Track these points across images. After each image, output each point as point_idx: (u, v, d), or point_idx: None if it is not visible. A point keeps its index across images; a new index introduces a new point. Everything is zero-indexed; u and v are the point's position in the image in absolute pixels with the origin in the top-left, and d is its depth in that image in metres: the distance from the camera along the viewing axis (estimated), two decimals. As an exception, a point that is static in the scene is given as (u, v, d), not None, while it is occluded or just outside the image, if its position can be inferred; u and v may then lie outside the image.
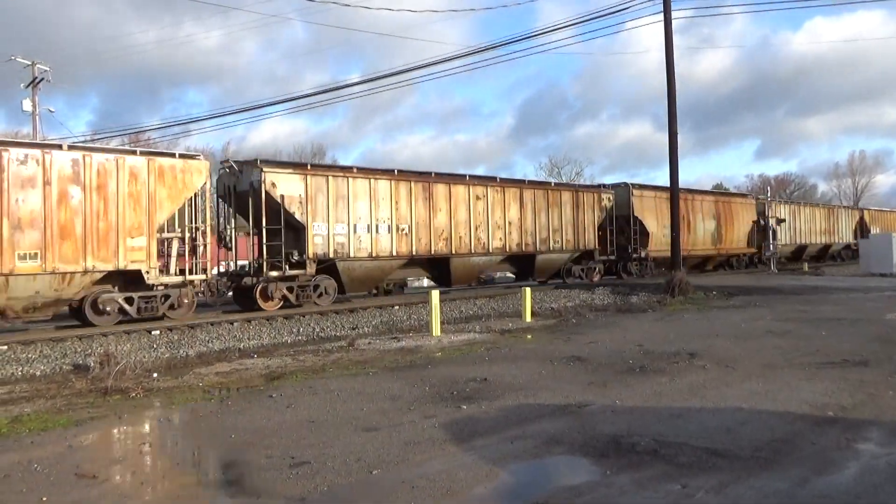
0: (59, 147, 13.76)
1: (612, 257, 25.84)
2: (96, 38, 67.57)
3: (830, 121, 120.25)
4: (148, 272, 14.24)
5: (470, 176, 21.69)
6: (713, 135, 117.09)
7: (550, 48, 62.63)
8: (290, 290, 16.81)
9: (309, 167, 18.14)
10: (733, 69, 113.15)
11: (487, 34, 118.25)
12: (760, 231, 33.89)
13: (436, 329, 12.78)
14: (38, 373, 10.25)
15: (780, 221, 33.61)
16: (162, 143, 40.47)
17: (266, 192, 16.30)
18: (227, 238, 17.69)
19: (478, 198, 20.90)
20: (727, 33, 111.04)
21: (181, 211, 15.18)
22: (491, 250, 21.28)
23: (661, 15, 20.91)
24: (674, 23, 20.44)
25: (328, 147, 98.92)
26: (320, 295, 17.33)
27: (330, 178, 17.65)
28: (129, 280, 14.31)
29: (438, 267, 20.63)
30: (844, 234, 42.06)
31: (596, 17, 50.42)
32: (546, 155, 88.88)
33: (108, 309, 13.95)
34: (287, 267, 16.64)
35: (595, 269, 25.27)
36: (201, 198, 15.54)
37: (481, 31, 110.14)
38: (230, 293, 17.16)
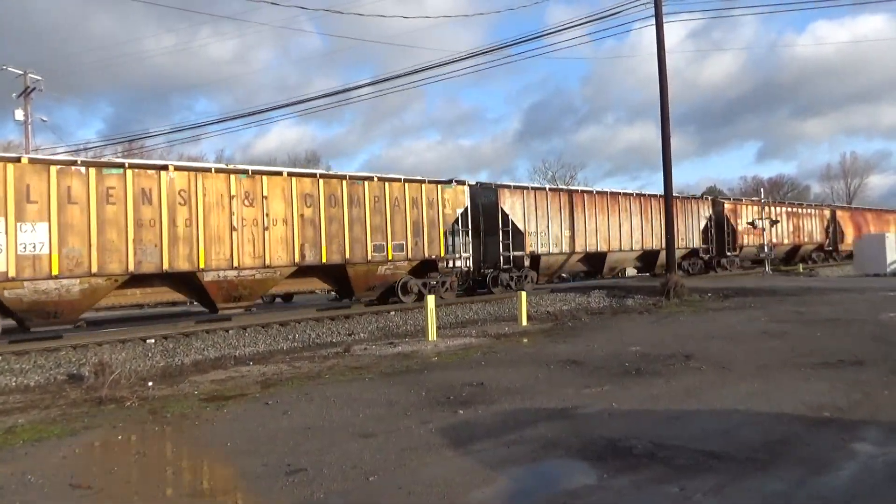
0: None
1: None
2: (108, 47, 67.21)
3: (831, 123, 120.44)
4: None
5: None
6: (715, 137, 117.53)
7: (553, 49, 62.50)
8: None
9: None
10: (736, 72, 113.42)
11: (495, 40, 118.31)
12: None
13: (432, 334, 12.76)
14: (32, 383, 10.19)
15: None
16: (164, 150, 40.45)
17: None
18: None
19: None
20: (731, 37, 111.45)
21: None
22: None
23: (656, 17, 21.04)
24: (679, 27, 20.45)
25: (329, 154, 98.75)
26: None
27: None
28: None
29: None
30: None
31: (595, 20, 50.60)
32: (550, 159, 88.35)
33: None
34: None
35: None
36: None
37: (490, 37, 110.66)
38: None
